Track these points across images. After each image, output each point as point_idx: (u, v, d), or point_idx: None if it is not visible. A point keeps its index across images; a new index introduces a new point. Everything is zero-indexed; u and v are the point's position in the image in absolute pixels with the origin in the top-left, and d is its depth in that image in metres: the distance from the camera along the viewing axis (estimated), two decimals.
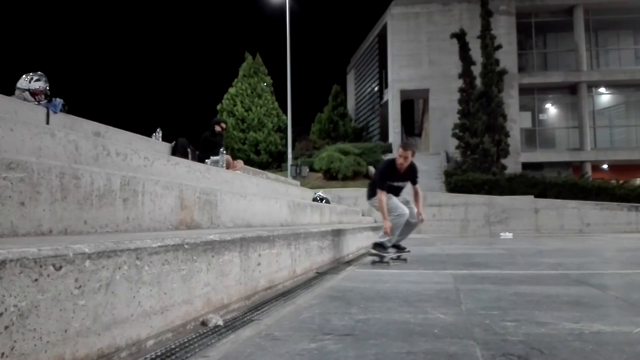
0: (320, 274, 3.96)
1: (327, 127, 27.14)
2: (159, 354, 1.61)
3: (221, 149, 7.55)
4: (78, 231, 2.37)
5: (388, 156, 21.03)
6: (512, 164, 18.67)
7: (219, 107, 25.16)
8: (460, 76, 18.43)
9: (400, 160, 5.04)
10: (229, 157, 7.76)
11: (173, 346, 1.70)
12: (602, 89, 22.69)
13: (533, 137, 22.49)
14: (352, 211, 11.08)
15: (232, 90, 25.20)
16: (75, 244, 1.40)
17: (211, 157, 7.44)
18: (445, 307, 2.44)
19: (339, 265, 4.75)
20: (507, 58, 19.47)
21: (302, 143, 25.26)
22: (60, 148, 3.28)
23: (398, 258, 5.29)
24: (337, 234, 5.07)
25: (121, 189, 2.74)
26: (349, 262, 5.06)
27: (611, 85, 22.29)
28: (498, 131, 17.22)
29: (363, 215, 12.35)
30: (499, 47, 18.05)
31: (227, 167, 7.49)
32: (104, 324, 1.45)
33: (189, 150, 8.01)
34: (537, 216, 13.30)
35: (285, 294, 2.92)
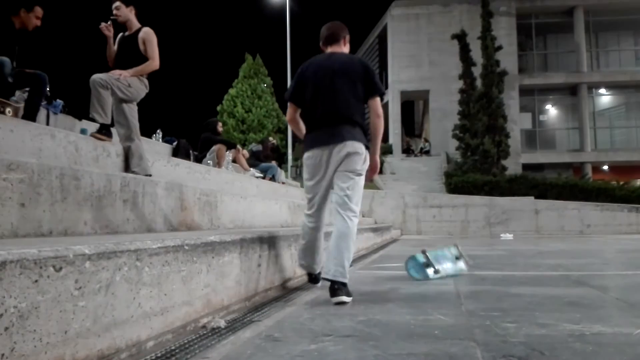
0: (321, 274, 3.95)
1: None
2: (159, 355, 1.61)
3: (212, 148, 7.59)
4: (78, 232, 2.37)
5: (389, 157, 21.06)
6: (513, 165, 18.67)
7: (219, 108, 25.19)
8: (461, 77, 18.45)
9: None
10: (221, 147, 7.63)
11: (173, 347, 1.70)
12: (602, 90, 22.71)
13: (533, 138, 22.50)
14: None
15: (232, 91, 25.22)
16: (75, 245, 1.40)
17: (207, 155, 7.49)
18: (446, 308, 2.44)
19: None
20: (508, 59, 19.48)
21: (302, 144, 25.25)
22: (60, 149, 3.29)
23: None
24: None
25: (121, 190, 2.74)
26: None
27: (611, 86, 22.30)
28: (498, 132, 17.23)
29: (363, 216, 12.36)
30: (500, 48, 18.06)
31: (219, 161, 7.48)
32: (104, 325, 1.45)
33: (190, 151, 8.03)
34: (537, 217, 13.28)
35: (286, 295, 2.92)
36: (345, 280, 2.62)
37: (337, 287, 2.59)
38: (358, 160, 2.77)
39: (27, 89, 4.95)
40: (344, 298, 2.57)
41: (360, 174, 2.80)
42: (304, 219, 3.01)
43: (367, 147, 2.87)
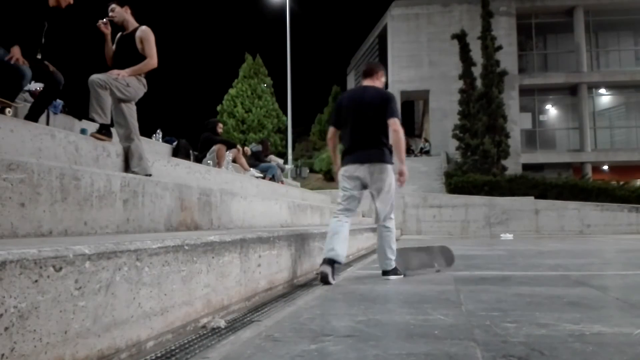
0: None
1: (327, 128, 27.14)
2: (159, 355, 1.61)
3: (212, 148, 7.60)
4: (78, 232, 2.37)
5: None
6: (513, 165, 18.67)
7: (219, 108, 25.19)
8: (461, 77, 18.43)
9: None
10: (220, 147, 7.64)
11: (173, 347, 1.70)
12: (602, 90, 22.70)
13: (533, 138, 22.50)
14: None
15: (232, 91, 25.23)
16: (76, 245, 1.40)
17: (207, 155, 7.50)
18: (446, 308, 2.44)
19: (339, 266, 4.74)
20: (508, 59, 19.48)
21: (302, 144, 25.29)
22: (60, 149, 3.29)
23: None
24: None
25: (121, 190, 2.74)
26: (349, 264, 5.06)
27: (611, 86, 22.30)
28: (498, 132, 17.21)
29: (363, 216, 12.35)
30: (500, 48, 18.05)
31: (219, 161, 7.49)
32: (104, 325, 1.45)
33: (191, 152, 8.03)
34: (537, 217, 13.28)
35: (286, 295, 2.92)
36: (390, 268, 3.71)
37: (386, 272, 3.71)
38: (384, 178, 3.61)
39: (31, 89, 4.91)
40: (391, 277, 3.66)
41: (387, 190, 3.64)
42: (332, 218, 3.72)
43: (391, 162, 3.67)
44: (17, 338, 1.16)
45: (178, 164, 4.97)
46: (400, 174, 3.68)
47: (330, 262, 3.44)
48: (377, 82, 3.84)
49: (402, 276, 3.73)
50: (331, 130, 3.88)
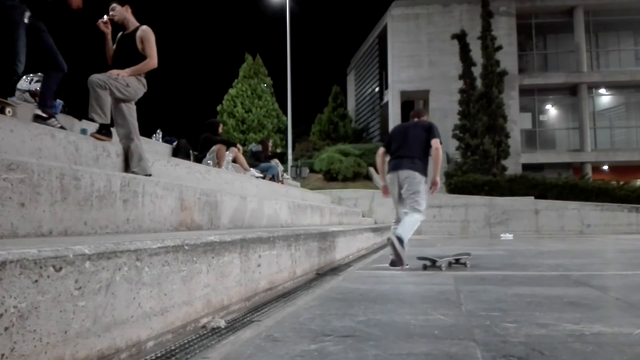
0: (321, 275, 3.96)
1: (327, 128, 27.15)
2: (159, 355, 1.61)
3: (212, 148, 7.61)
4: (78, 232, 2.37)
5: (387, 157, 21.04)
6: (513, 165, 18.66)
7: (219, 108, 25.18)
8: (461, 77, 18.41)
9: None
10: (220, 147, 7.65)
11: (173, 347, 1.70)
12: (602, 90, 22.70)
13: (533, 138, 22.49)
14: (353, 212, 11.08)
15: (232, 91, 25.22)
16: (76, 245, 1.40)
17: (207, 155, 7.50)
18: (446, 308, 2.44)
19: (339, 266, 4.75)
20: (508, 59, 19.47)
21: (302, 144, 25.28)
22: (60, 149, 3.29)
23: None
24: (338, 235, 5.07)
25: (121, 190, 2.74)
26: (349, 264, 5.06)
27: (611, 86, 22.29)
28: (498, 132, 17.20)
29: (363, 216, 12.35)
30: (500, 48, 18.04)
31: (219, 161, 7.49)
32: (104, 325, 1.45)
33: (191, 152, 8.02)
34: (537, 217, 13.28)
35: (286, 295, 2.92)
36: (402, 237, 4.31)
37: (400, 239, 4.27)
38: (413, 182, 4.50)
39: (31, 89, 4.90)
40: (397, 243, 4.26)
41: (417, 191, 4.50)
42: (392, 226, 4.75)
43: (421, 172, 4.55)
44: (17, 338, 1.16)
45: (178, 164, 4.97)
46: (433, 183, 4.60)
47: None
48: (424, 118, 4.90)
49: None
50: (381, 149, 4.92)
